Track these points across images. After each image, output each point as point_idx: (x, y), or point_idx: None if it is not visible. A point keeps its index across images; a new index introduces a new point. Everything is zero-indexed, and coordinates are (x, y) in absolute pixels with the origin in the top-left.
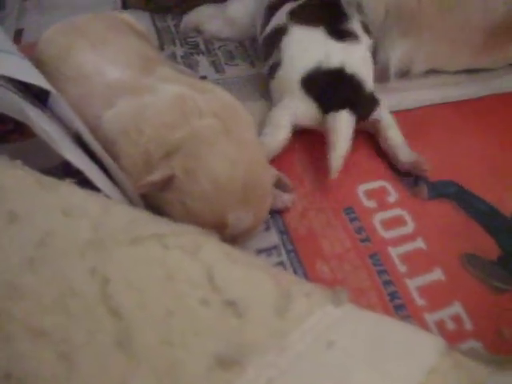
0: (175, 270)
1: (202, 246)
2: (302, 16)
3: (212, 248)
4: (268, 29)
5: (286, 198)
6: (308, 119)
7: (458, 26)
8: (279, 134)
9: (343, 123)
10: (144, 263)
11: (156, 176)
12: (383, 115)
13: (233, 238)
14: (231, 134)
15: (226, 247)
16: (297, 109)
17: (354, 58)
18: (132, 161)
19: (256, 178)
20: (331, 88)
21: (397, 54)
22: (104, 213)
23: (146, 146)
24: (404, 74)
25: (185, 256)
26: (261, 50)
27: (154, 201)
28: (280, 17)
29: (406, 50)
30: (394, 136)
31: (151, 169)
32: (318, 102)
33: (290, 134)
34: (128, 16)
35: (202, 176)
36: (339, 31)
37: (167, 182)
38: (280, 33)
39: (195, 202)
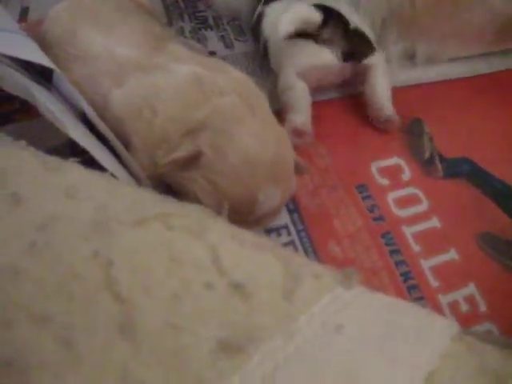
0: (180, 252)
1: (209, 226)
2: None
3: (218, 229)
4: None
5: None
6: (314, 59)
7: (459, 28)
8: (297, 90)
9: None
10: (148, 245)
11: (182, 153)
12: (380, 63)
13: (258, 218)
14: (255, 112)
15: (233, 228)
16: (300, 56)
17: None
18: (144, 140)
19: (283, 154)
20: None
21: (398, 49)
22: (108, 193)
23: (163, 126)
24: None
25: (190, 237)
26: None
27: (176, 180)
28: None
29: (407, 47)
30: (385, 85)
31: (169, 147)
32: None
33: (306, 86)
34: None
35: (233, 152)
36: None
37: (193, 160)
38: (260, 18)
39: (226, 179)
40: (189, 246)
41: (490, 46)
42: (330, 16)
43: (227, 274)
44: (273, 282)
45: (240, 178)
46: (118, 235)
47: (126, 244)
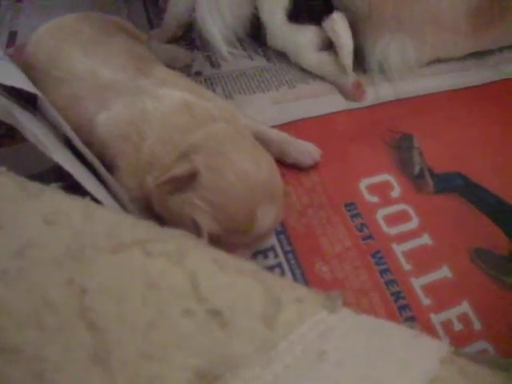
0: (158, 278)
1: (188, 251)
2: None
3: (199, 254)
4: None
5: None
6: None
7: (428, 19)
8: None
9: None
10: (125, 272)
11: (178, 171)
12: None
13: (252, 240)
14: (244, 136)
15: (215, 252)
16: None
17: None
18: (131, 163)
19: (275, 175)
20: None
21: (391, 49)
22: (86, 219)
23: (152, 149)
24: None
25: (169, 263)
26: None
27: (168, 205)
28: None
29: (395, 46)
30: None
31: (160, 171)
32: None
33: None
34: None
35: (230, 172)
36: None
37: (189, 180)
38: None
39: (225, 198)
40: (167, 273)
41: (467, 37)
42: None
43: (206, 301)
44: (253, 307)
45: (239, 195)
46: (94, 262)
47: (101, 271)
